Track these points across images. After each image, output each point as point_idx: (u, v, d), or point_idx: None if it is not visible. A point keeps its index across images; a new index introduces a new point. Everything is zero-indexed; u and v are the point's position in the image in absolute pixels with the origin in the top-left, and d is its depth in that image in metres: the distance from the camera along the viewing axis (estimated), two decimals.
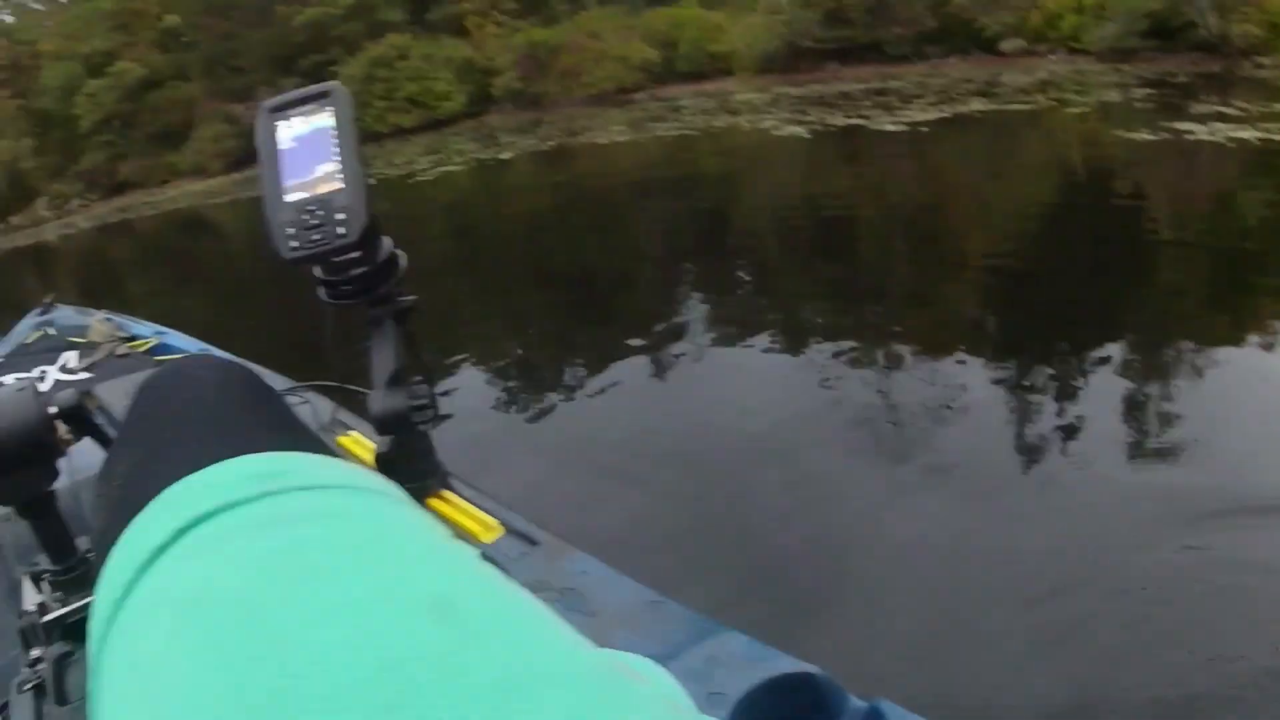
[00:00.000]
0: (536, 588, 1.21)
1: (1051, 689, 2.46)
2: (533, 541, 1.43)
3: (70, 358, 2.98)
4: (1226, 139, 9.54)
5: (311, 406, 2.08)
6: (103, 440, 1.21)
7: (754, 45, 26.89)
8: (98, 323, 3.24)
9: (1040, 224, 7.78)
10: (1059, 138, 12.21)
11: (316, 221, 1.04)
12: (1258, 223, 6.80)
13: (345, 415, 1.94)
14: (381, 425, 1.27)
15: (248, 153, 20.27)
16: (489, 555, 1.23)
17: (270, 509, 0.44)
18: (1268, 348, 4.62)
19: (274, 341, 6.74)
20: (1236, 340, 4.75)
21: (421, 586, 0.38)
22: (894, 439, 4.13)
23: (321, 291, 1.21)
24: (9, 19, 41.10)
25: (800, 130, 15.14)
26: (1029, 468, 3.72)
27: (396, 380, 1.25)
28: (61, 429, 1.19)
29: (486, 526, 1.45)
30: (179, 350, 2.94)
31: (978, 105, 15.22)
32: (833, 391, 4.74)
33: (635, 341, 6.04)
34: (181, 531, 0.42)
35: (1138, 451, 3.72)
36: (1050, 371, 4.66)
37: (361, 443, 1.86)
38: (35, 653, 1.21)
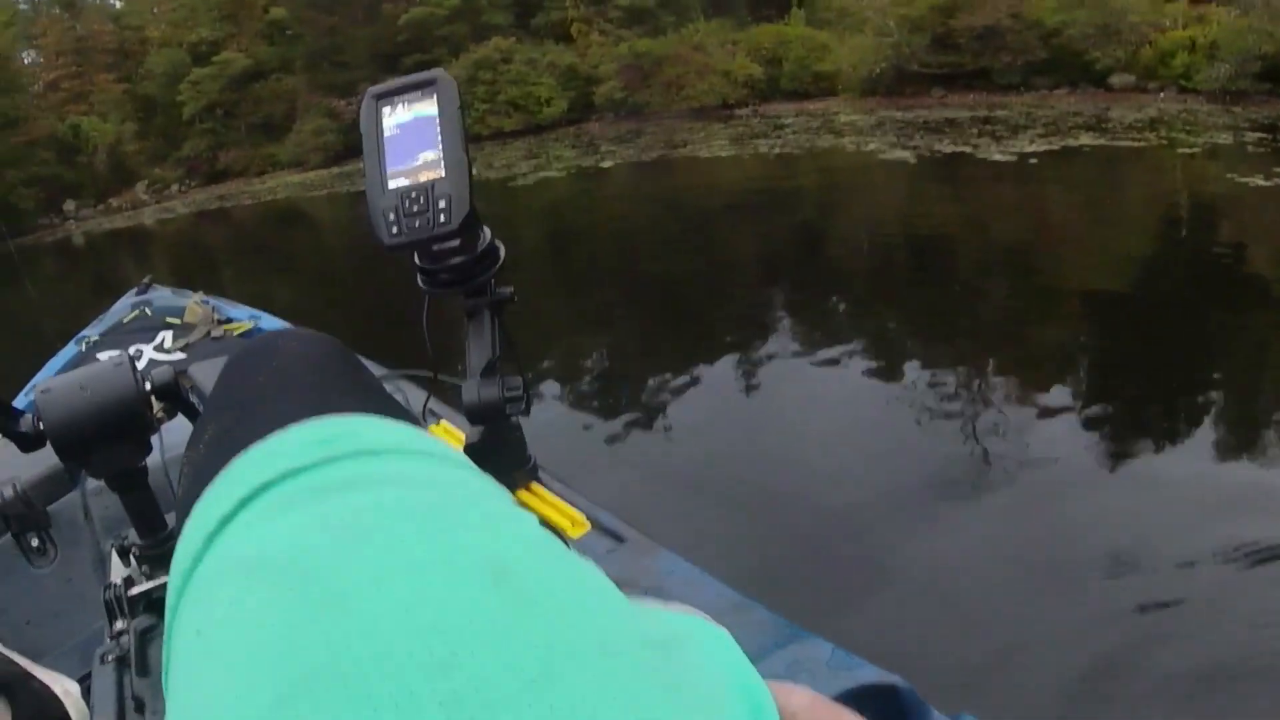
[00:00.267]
0: (621, 585, 1.22)
1: None
2: (620, 539, 1.47)
3: (166, 337, 3.08)
4: None
5: (404, 395, 2.14)
6: (194, 418, 1.26)
7: (860, 67, 26.98)
8: (194, 304, 3.33)
9: (1145, 264, 7.73)
10: (1170, 177, 12.05)
11: (418, 208, 1.07)
12: None
13: (437, 405, 1.95)
14: (473, 415, 1.29)
15: (348, 147, 21.48)
16: (575, 551, 1.57)
17: (330, 475, 0.46)
18: None
19: (366, 334, 6.91)
20: None
21: (478, 552, 0.40)
22: (974, 472, 4.13)
23: (420, 279, 1.23)
24: (118, 4, 42.70)
25: (907, 155, 15.19)
26: (1111, 516, 3.64)
27: (490, 371, 1.27)
28: (156, 405, 1.25)
29: (574, 521, 1.49)
30: None
31: (1087, 139, 15.00)
32: (915, 419, 4.77)
33: (720, 356, 6.10)
34: (245, 501, 0.45)
35: (1230, 498, 3.66)
36: (1139, 415, 4.63)
37: (452, 432, 1.88)
38: (119, 625, 1.27)
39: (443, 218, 1.05)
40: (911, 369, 5.50)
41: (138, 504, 1.31)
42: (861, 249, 9.74)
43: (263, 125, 36.39)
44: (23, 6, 40.47)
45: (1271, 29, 18.20)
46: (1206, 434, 4.30)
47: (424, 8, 34.03)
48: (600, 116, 31.99)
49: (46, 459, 1.18)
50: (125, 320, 3.41)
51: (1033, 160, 13.30)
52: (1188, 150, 13.45)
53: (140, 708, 1.16)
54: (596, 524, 1.48)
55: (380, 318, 8.02)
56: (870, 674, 1.03)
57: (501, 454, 1.39)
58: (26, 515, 1.81)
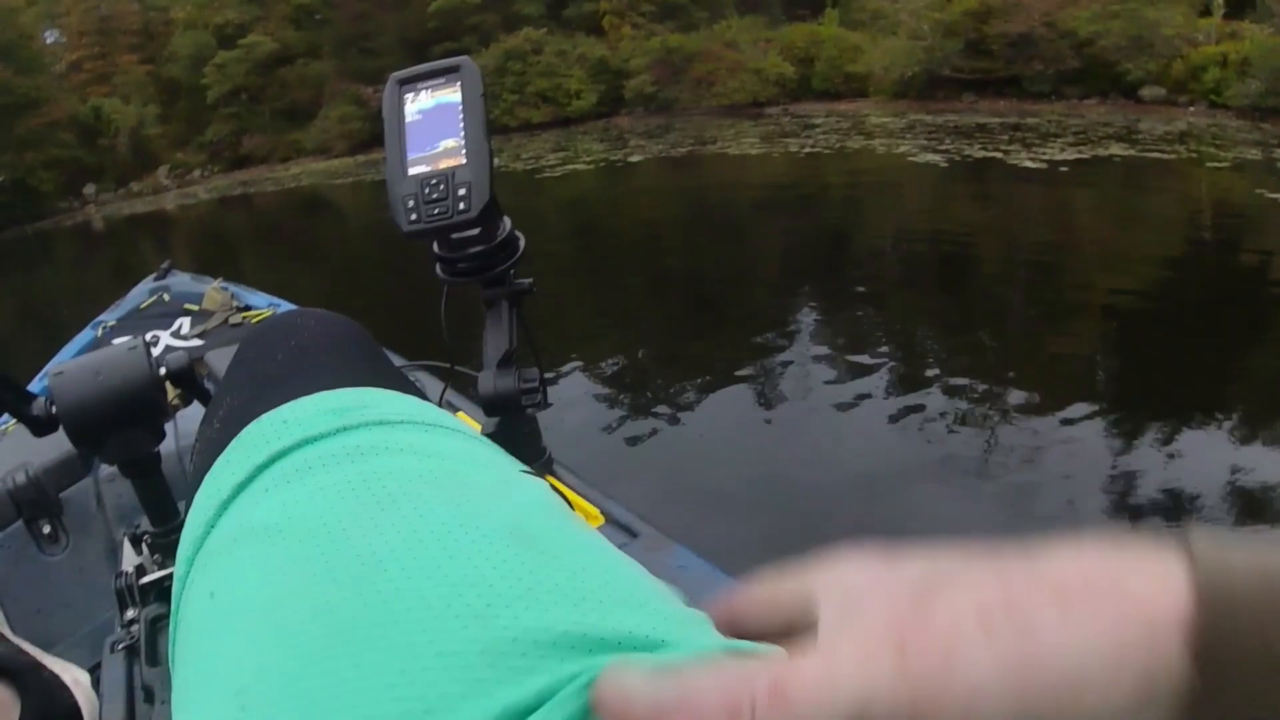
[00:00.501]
0: None
1: None
2: (633, 533, 1.47)
3: (183, 324, 3.07)
4: None
5: (421, 385, 2.10)
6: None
7: (892, 69, 27.27)
8: (213, 290, 3.31)
9: (1177, 274, 7.77)
10: (1199, 190, 12.15)
11: (437, 195, 1.07)
12: None
13: (454, 396, 1.92)
14: (489, 406, 1.31)
15: (374, 135, 21.97)
16: None
17: (347, 442, 0.48)
18: None
19: (385, 323, 6.59)
20: None
21: (499, 515, 0.41)
22: (990, 478, 4.23)
23: (438, 268, 1.24)
24: None
25: (937, 159, 15.32)
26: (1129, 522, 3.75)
27: (507, 362, 1.28)
28: (171, 392, 1.25)
29: (588, 514, 1.46)
30: None
31: (1117, 149, 15.15)
32: (939, 423, 4.83)
33: (743, 354, 6.15)
34: (261, 468, 0.47)
35: (1242, 512, 3.74)
36: (1158, 426, 4.67)
37: (471, 424, 1.83)
38: (130, 614, 1.28)
39: (462, 205, 1.07)
40: (938, 373, 5.57)
41: (151, 491, 1.33)
42: (893, 251, 9.76)
43: (288, 111, 36.47)
44: None
45: None
46: (1230, 447, 4.36)
47: None
48: (630, 111, 32.15)
49: (59, 445, 1.18)
50: (143, 306, 3.44)
51: (1064, 168, 13.44)
52: (1217, 165, 13.61)
53: (150, 697, 1.18)
54: (610, 517, 1.51)
55: (401, 308, 8.05)
56: None
57: (516, 446, 1.35)
58: (38, 501, 1.85)
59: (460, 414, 1.91)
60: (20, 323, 11.82)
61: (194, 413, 1.21)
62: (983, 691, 0.26)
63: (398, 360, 2.32)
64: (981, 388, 5.31)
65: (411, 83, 1.12)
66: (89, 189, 34.75)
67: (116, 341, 2.56)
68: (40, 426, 1.19)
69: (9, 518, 1.87)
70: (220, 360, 2.32)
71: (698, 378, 5.89)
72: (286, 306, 3.14)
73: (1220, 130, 17.60)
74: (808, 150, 18.48)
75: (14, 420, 1.30)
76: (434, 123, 1.11)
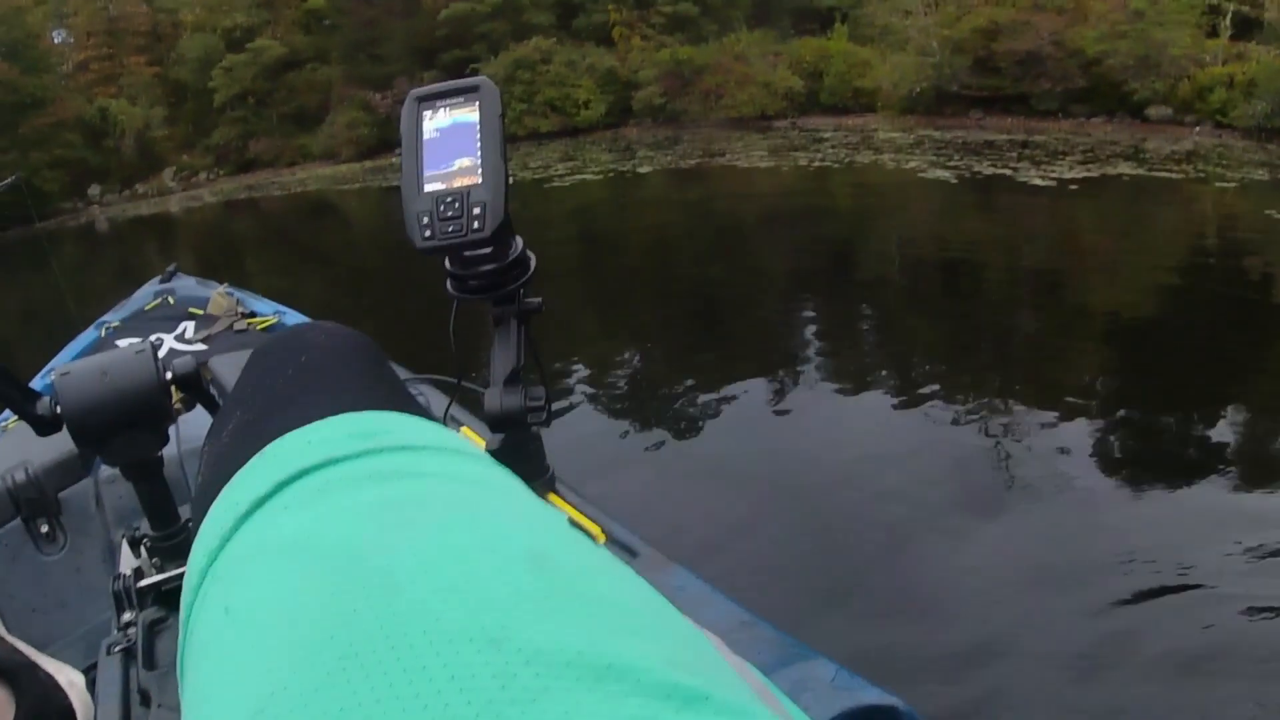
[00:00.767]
0: None
1: None
2: (633, 552, 1.48)
3: (188, 328, 3.08)
4: None
5: (426, 399, 2.15)
6: (214, 411, 1.26)
7: (901, 85, 27.51)
8: (218, 295, 3.31)
9: (1189, 292, 7.89)
10: (1210, 211, 12.35)
11: (452, 214, 1.09)
12: None
13: (459, 411, 1.97)
14: (495, 423, 1.32)
15: (381, 141, 22.70)
16: None
17: (370, 466, 0.49)
18: None
19: (391, 332, 6.79)
20: None
21: (517, 540, 0.42)
22: (997, 493, 4.25)
23: (449, 284, 1.26)
24: None
25: (947, 175, 15.51)
26: (1126, 539, 3.75)
27: (514, 379, 1.30)
28: (175, 396, 1.26)
29: (590, 532, 1.48)
30: None
31: (1126, 168, 15.39)
32: (935, 435, 4.89)
33: (750, 368, 6.17)
34: (282, 485, 0.48)
35: (1242, 523, 3.77)
36: (1163, 444, 4.78)
37: (473, 438, 1.88)
38: (127, 616, 1.28)
39: (476, 224, 1.09)
40: (946, 389, 5.59)
41: (152, 494, 1.34)
42: (904, 266, 9.86)
43: (295, 115, 36.56)
44: None
45: None
46: (1231, 465, 4.39)
47: (465, 3, 34.09)
48: (638, 122, 32.36)
49: (60, 444, 1.17)
50: (147, 308, 3.44)
51: (1072, 186, 13.67)
52: (1224, 184, 13.83)
53: (146, 700, 1.18)
54: (611, 536, 1.53)
55: (408, 318, 8.17)
56: (873, 695, 1.07)
57: (520, 463, 1.42)
58: (37, 500, 1.86)
59: (465, 428, 1.98)
60: (21, 321, 11.91)
61: (196, 417, 1.30)
62: None
63: (403, 373, 2.34)
64: (987, 403, 5.37)
65: (431, 100, 1.15)
66: (93, 190, 34.79)
67: (122, 343, 2.56)
68: (44, 426, 1.21)
69: (7, 516, 1.90)
70: (224, 366, 2.25)
71: (705, 388, 5.94)
72: (291, 313, 3.24)
73: (1226, 150, 17.89)
74: (817, 164, 18.68)
75: (14, 418, 1.31)
76: (451, 141, 1.14)
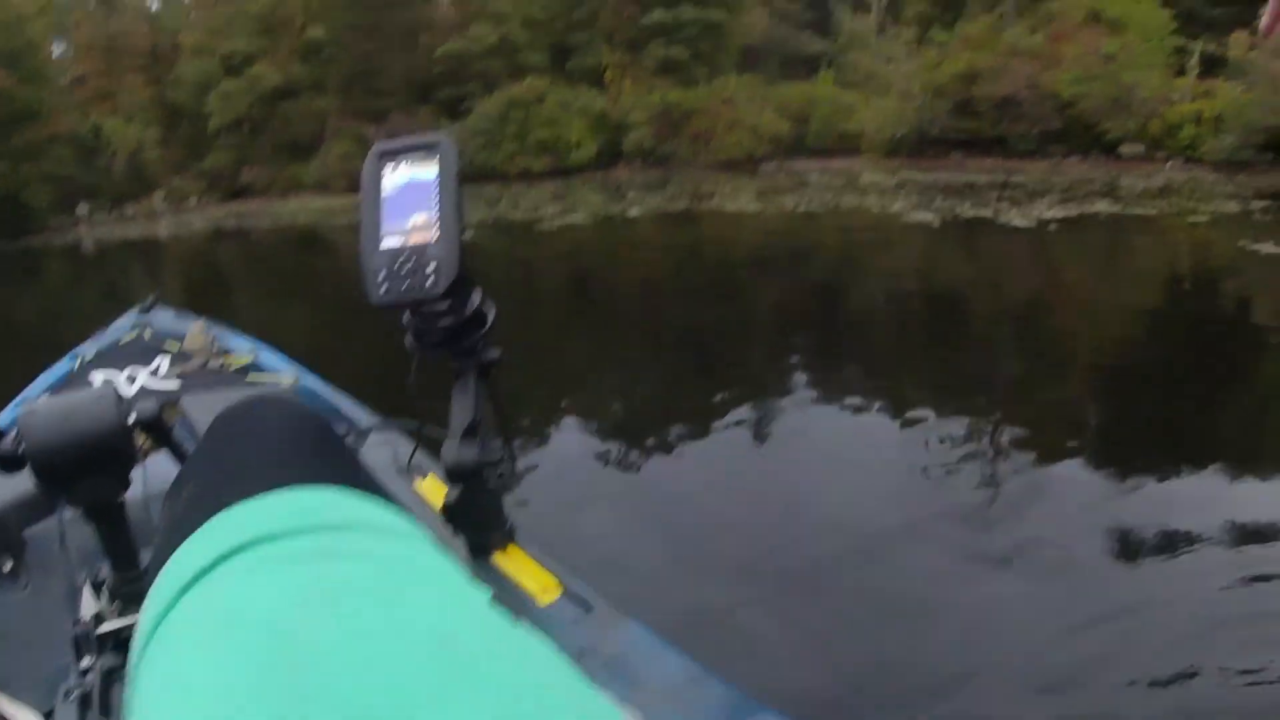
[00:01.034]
0: (584, 654, 1.35)
1: None
2: (588, 607, 1.50)
3: (163, 363, 3.04)
4: None
5: (392, 449, 2.19)
6: (179, 455, 1.29)
7: (884, 128, 28.51)
8: (196, 331, 3.29)
9: (1175, 328, 8.01)
10: (1187, 245, 12.51)
11: (407, 270, 1.11)
12: None
13: (423, 458, 1.95)
14: (451, 475, 1.35)
15: None
16: (542, 617, 1.43)
17: (303, 544, 0.51)
18: None
19: (369, 373, 6.49)
20: None
21: (428, 623, 0.45)
22: (977, 533, 4.15)
23: (409, 338, 1.28)
24: (155, 6, 42.84)
25: (930, 217, 15.63)
26: (1118, 573, 3.71)
27: (470, 433, 1.32)
28: (142, 436, 1.26)
29: (544, 587, 1.52)
30: (272, 370, 3.00)
31: (1102, 206, 15.72)
32: (923, 479, 4.84)
33: (731, 408, 6.12)
34: (223, 558, 0.49)
35: (1226, 563, 3.68)
36: (1146, 473, 4.69)
37: (438, 488, 1.91)
38: (85, 662, 1.29)
39: (430, 281, 1.11)
40: (929, 429, 5.56)
41: (113, 538, 1.31)
42: (888, 309, 9.84)
43: (289, 145, 36.48)
44: None
45: (1275, 102, 19.87)
46: (1211, 496, 4.38)
47: (461, 41, 34.67)
48: (628, 163, 32.74)
49: (28, 480, 1.16)
50: (123, 341, 3.39)
51: (1052, 226, 13.89)
52: (1197, 219, 14.19)
53: None
54: (567, 590, 1.53)
55: (388, 358, 7.54)
56: None
57: (477, 515, 1.47)
58: (1, 538, 1.82)
59: (432, 476, 1.99)
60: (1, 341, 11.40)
61: (163, 459, 1.29)
62: None
63: (371, 418, 2.41)
64: (972, 442, 5.35)
65: (393, 155, 1.17)
66: (82, 208, 34.38)
67: (96, 375, 2.54)
68: (8, 464, 1.17)
69: None
70: (195, 407, 2.31)
71: (690, 429, 5.90)
72: (267, 352, 3.21)
73: (1197, 184, 18.58)
74: (803, 208, 18.97)
75: None
76: (409, 197, 1.15)
